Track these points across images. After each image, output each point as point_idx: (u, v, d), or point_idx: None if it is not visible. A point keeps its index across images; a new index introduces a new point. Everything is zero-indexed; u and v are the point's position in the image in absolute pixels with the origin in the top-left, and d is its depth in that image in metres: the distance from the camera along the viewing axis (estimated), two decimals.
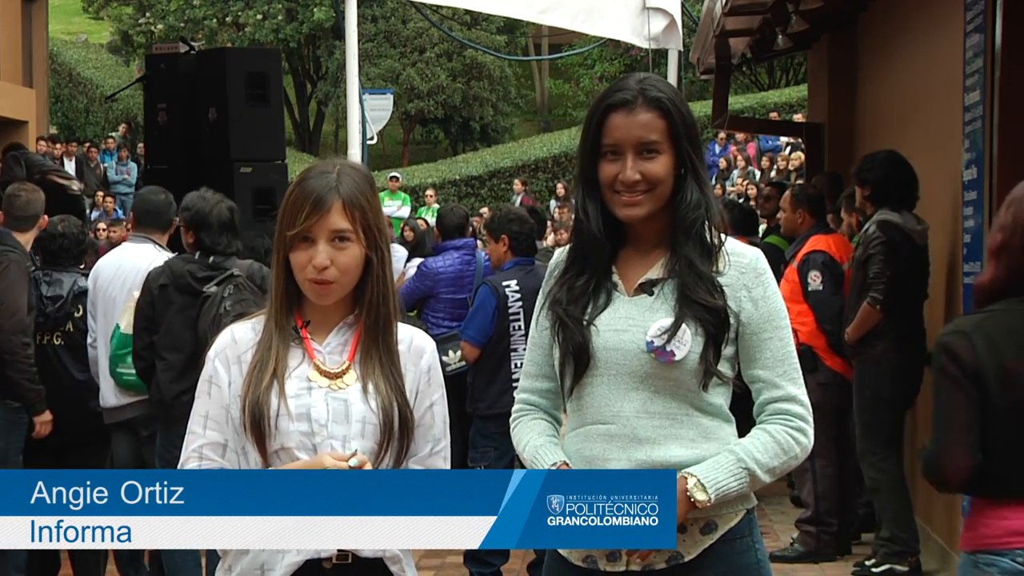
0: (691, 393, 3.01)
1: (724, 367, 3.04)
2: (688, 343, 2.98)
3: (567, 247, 3.19)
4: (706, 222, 3.04)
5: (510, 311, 7.16)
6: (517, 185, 26.43)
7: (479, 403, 7.32)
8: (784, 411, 3.04)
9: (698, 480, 2.93)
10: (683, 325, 2.98)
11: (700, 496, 2.92)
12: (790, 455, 3.03)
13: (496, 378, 7.25)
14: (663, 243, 3.08)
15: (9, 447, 6.57)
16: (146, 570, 6.87)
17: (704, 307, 2.98)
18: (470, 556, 7.18)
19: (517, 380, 7.11)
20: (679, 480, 2.90)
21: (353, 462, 2.91)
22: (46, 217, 7.01)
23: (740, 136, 25.60)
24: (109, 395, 6.71)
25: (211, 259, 6.38)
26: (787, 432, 3.03)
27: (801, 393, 3.06)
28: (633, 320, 3.02)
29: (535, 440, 3.15)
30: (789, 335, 3.08)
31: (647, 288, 3.04)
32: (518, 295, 7.12)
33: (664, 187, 3.03)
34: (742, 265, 3.06)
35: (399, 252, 12.08)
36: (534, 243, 7.50)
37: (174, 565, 6.44)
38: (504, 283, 7.20)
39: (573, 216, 3.16)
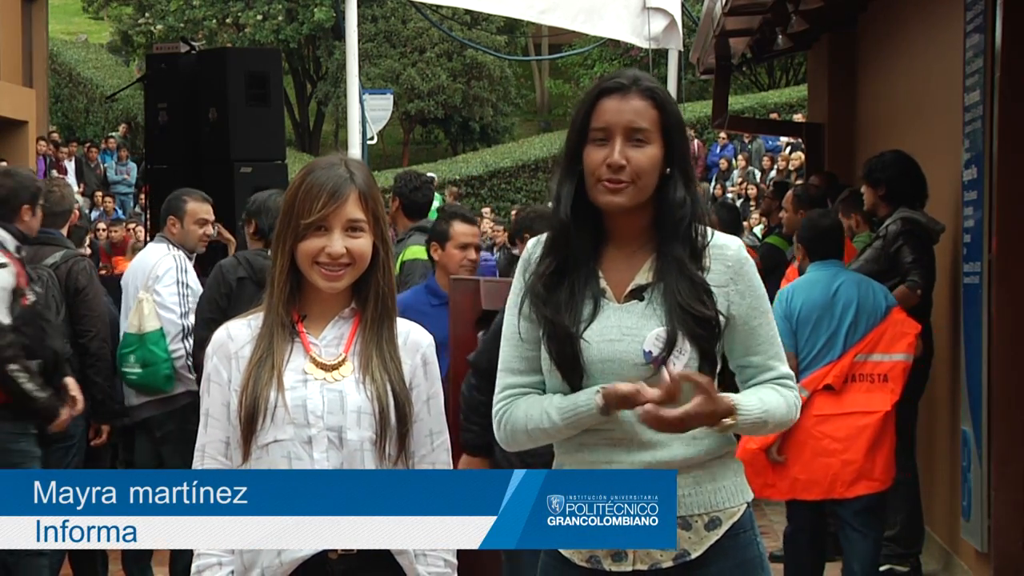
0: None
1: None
2: (687, 352, 2.94)
3: (540, 237, 3.08)
4: (692, 222, 2.99)
5: None
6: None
7: None
8: (785, 386, 3.07)
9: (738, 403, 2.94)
10: (679, 335, 2.93)
11: (727, 421, 2.93)
12: (790, 416, 3.06)
13: None
14: (647, 244, 3.02)
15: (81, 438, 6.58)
16: (151, 572, 6.86)
17: (695, 317, 2.93)
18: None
19: None
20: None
21: None
22: (77, 211, 6.96)
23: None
24: (130, 394, 6.73)
25: None
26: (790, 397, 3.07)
27: (789, 372, 3.10)
28: (627, 329, 2.97)
29: (544, 401, 3.02)
30: (772, 316, 3.09)
31: (637, 294, 2.99)
32: None
33: (648, 180, 2.96)
34: (727, 258, 3.02)
35: None
36: None
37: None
38: None
39: (552, 205, 3.05)
